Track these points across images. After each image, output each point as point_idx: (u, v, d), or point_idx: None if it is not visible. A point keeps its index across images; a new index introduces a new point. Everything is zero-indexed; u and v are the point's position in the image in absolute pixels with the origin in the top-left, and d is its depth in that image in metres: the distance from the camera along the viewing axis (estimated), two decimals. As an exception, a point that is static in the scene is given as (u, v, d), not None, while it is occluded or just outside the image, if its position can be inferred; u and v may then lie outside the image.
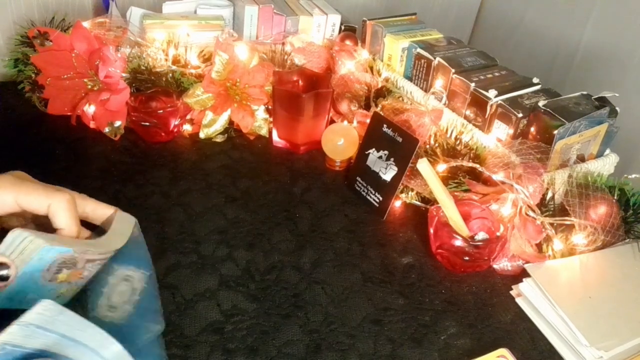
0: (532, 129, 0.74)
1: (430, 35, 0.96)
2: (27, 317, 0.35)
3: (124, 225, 0.48)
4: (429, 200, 0.73)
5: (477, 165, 0.68)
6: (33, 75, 0.84)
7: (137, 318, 0.45)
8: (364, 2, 1.28)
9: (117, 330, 0.40)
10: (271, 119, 0.86)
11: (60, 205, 0.42)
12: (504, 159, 0.68)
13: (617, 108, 0.74)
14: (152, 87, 0.83)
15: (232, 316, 0.57)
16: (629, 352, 0.55)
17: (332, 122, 0.87)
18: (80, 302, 0.43)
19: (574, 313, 0.56)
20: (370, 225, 0.72)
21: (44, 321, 0.35)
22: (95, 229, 0.47)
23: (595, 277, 0.62)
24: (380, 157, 0.73)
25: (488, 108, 0.77)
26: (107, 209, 0.47)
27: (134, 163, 0.78)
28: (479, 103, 0.79)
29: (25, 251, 0.38)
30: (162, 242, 0.65)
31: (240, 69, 0.83)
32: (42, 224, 0.43)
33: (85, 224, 0.46)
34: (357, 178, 0.76)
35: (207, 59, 0.89)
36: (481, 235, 0.65)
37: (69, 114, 0.84)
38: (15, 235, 0.37)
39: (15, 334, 0.34)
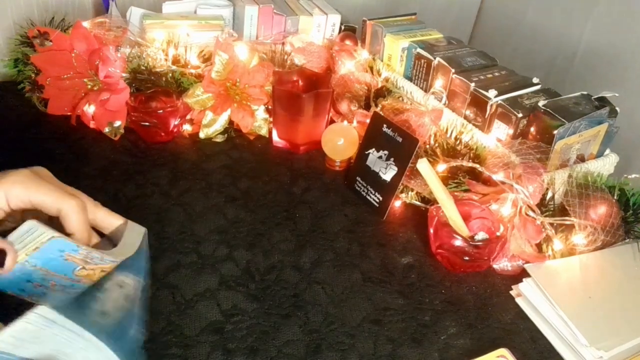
0: (532, 129, 0.74)
1: (430, 35, 0.96)
2: (18, 326, 0.35)
3: (133, 236, 0.47)
4: (429, 200, 0.73)
5: (477, 165, 0.68)
6: (33, 75, 0.84)
7: (123, 327, 0.45)
8: (364, 2, 1.28)
9: (103, 337, 0.40)
10: (271, 119, 0.86)
11: (71, 209, 0.42)
12: (504, 159, 0.68)
13: (617, 108, 0.74)
14: (152, 87, 0.83)
15: (232, 316, 0.57)
16: (629, 352, 0.55)
17: (332, 122, 0.87)
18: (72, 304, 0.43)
19: (574, 313, 0.56)
20: (370, 225, 0.72)
21: (34, 332, 0.36)
22: (103, 237, 0.47)
23: (595, 277, 0.62)
24: (380, 157, 0.73)
25: (488, 108, 0.77)
26: (117, 219, 0.47)
27: (134, 163, 0.78)
28: (479, 103, 0.78)
29: (35, 241, 0.39)
30: (162, 242, 0.65)
31: (240, 69, 0.83)
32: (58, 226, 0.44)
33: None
34: (357, 178, 0.76)
35: (207, 59, 0.89)
36: (481, 235, 0.65)
37: (69, 114, 0.84)
38: (30, 226, 0.39)
39: (6, 342, 0.35)
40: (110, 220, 0.47)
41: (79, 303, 0.42)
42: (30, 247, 0.39)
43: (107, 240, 0.46)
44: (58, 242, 0.40)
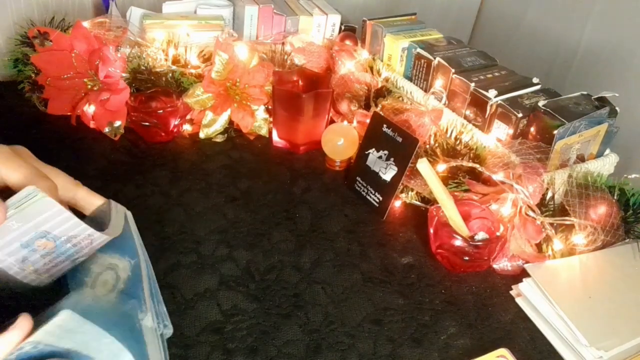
0: (532, 129, 0.74)
1: (430, 35, 0.96)
2: (64, 315, 0.37)
3: (119, 216, 0.48)
4: (429, 200, 0.73)
5: (477, 165, 0.68)
6: (33, 75, 0.84)
7: (124, 311, 0.44)
8: (364, 2, 1.28)
9: (103, 321, 0.40)
10: (271, 119, 0.86)
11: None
12: (504, 159, 0.68)
13: (617, 108, 0.74)
14: (152, 87, 0.83)
15: (232, 316, 0.57)
16: (629, 352, 0.55)
17: (332, 122, 0.87)
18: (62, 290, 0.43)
19: (574, 313, 0.56)
20: (370, 225, 0.72)
21: (78, 320, 0.37)
22: (84, 218, 0.47)
23: (595, 277, 0.62)
24: (380, 157, 0.73)
25: (488, 108, 0.77)
26: (98, 199, 0.47)
27: (134, 163, 0.78)
28: (479, 103, 0.79)
29: (31, 207, 0.39)
30: (162, 242, 0.65)
31: (240, 69, 0.83)
32: None
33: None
34: (357, 178, 0.76)
35: (207, 59, 0.89)
36: (481, 235, 0.65)
37: (69, 114, 0.84)
38: (29, 191, 0.39)
39: (51, 333, 0.36)
40: (91, 200, 0.47)
41: (72, 289, 0.42)
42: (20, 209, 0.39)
43: (89, 222, 0.46)
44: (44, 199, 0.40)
